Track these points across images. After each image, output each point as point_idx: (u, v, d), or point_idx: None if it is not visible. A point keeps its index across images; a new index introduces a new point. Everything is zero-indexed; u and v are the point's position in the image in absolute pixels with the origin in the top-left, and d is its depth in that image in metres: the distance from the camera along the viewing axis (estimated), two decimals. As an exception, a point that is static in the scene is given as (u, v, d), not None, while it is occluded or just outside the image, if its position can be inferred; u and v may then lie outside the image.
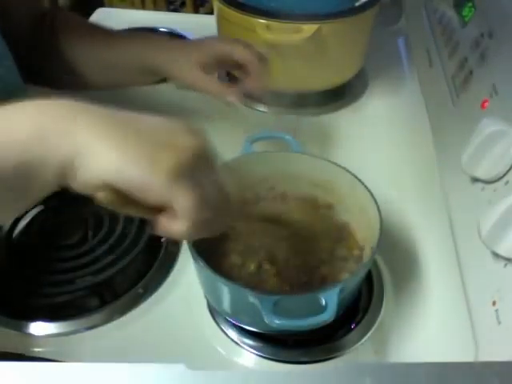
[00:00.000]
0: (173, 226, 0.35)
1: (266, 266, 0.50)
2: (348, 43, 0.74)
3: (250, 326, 0.49)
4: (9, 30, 0.53)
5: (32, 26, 0.61)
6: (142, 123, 0.34)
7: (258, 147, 0.56)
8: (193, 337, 0.50)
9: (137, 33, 0.66)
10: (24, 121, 0.32)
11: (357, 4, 0.72)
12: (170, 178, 0.32)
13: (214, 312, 0.52)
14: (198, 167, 0.34)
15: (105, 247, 0.56)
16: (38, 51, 0.61)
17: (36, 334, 0.50)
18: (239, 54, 0.58)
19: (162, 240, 0.58)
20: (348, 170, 0.52)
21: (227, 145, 0.61)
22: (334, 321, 0.40)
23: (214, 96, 0.59)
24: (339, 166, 0.52)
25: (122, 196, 0.33)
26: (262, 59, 0.58)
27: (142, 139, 0.33)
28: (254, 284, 0.48)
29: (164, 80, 0.85)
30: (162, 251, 0.57)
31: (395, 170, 0.69)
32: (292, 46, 0.70)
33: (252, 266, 0.49)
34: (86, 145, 0.32)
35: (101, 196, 0.33)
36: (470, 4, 0.63)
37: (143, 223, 0.58)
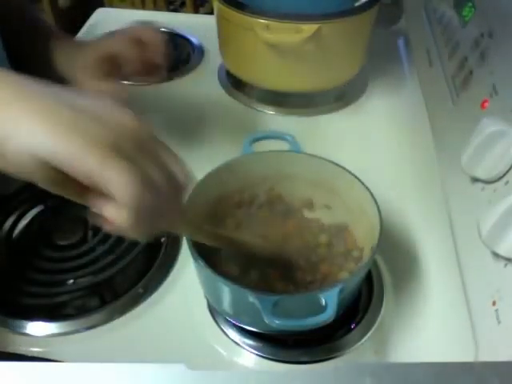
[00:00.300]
0: (110, 211, 0.31)
1: (269, 271, 0.50)
2: (348, 43, 0.74)
3: (250, 326, 0.49)
4: (7, 39, 0.54)
5: (30, 37, 0.62)
6: (82, 100, 0.33)
7: (258, 147, 0.56)
8: (193, 337, 0.50)
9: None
10: None
11: (357, 4, 0.72)
12: (104, 155, 0.30)
13: (214, 312, 0.52)
14: (140, 149, 0.32)
15: (105, 247, 0.56)
16: (36, 61, 0.61)
17: (36, 334, 0.50)
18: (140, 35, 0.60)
19: (162, 240, 0.58)
20: (348, 170, 0.52)
21: (227, 145, 0.61)
22: (334, 321, 0.40)
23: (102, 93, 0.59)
24: (339, 165, 0.52)
25: (56, 175, 0.30)
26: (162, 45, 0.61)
27: (78, 114, 0.31)
28: (258, 286, 0.48)
29: (164, 80, 0.86)
30: (162, 251, 0.57)
31: (395, 169, 0.69)
32: (292, 46, 0.70)
33: (252, 274, 0.49)
34: (13, 119, 0.30)
35: (32, 173, 0.30)
36: (469, 4, 0.63)
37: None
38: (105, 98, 0.34)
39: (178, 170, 0.34)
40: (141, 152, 0.32)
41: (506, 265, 0.43)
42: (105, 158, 0.30)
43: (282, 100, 0.80)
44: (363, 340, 0.50)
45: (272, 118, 0.79)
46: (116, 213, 0.31)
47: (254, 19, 0.68)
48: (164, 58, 0.61)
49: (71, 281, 0.53)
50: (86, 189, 0.31)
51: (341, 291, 0.41)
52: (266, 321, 0.39)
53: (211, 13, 0.79)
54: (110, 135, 0.31)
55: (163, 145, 0.35)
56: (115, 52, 0.59)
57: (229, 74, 0.85)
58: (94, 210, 0.32)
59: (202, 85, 0.85)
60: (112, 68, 0.59)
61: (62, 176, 0.31)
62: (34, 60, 0.61)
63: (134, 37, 0.60)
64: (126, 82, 0.83)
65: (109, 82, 0.58)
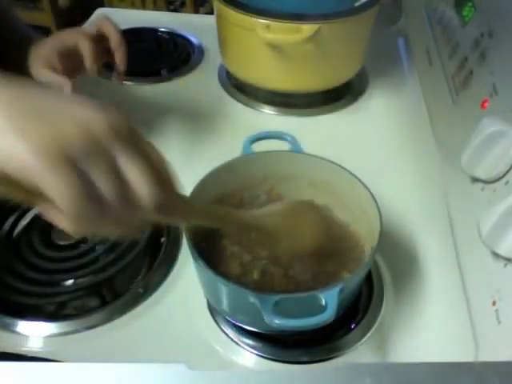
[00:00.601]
0: (54, 215, 0.30)
1: (272, 269, 0.50)
2: (348, 43, 0.74)
3: (249, 325, 0.49)
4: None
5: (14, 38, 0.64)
6: (49, 98, 0.30)
7: (258, 147, 0.56)
8: (193, 337, 0.50)
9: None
10: None
11: (357, 4, 0.72)
12: (47, 156, 0.27)
13: (214, 312, 0.52)
14: (97, 154, 0.29)
15: (105, 247, 0.56)
16: (17, 61, 0.62)
17: (36, 334, 0.50)
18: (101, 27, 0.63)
19: (162, 240, 0.58)
20: (348, 170, 0.52)
21: (227, 145, 0.61)
22: (334, 321, 0.40)
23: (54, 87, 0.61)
24: (339, 165, 0.52)
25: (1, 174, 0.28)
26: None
27: (36, 113, 0.29)
28: (260, 286, 0.48)
29: (163, 80, 0.86)
30: (162, 251, 0.57)
31: (395, 169, 0.69)
32: (292, 46, 0.70)
33: (255, 275, 0.49)
34: None
35: None
36: (469, 4, 0.63)
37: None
38: (80, 96, 0.32)
39: (140, 181, 0.31)
40: (97, 157, 0.29)
41: (505, 265, 0.43)
42: (48, 159, 0.27)
43: (282, 100, 0.80)
44: (363, 340, 0.50)
45: (272, 118, 0.79)
46: (58, 218, 0.30)
47: (255, 19, 0.68)
48: (122, 51, 0.64)
49: (71, 281, 0.53)
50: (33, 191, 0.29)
51: (341, 291, 0.41)
52: (266, 321, 0.39)
53: (211, 13, 0.79)
54: (62, 134, 0.28)
55: (137, 147, 0.31)
56: (70, 45, 0.61)
57: (229, 74, 0.85)
58: (41, 211, 0.31)
59: (201, 85, 0.85)
60: (69, 61, 0.61)
61: (7, 176, 0.29)
62: (15, 60, 0.63)
63: (92, 32, 0.63)
64: (128, 83, 0.84)
65: (59, 74, 0.60)
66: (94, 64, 0.61)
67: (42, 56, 0.61)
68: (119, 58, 0.64)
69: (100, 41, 0.63)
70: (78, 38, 0.61)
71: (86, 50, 0.61)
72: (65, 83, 0.59)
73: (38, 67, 0.61)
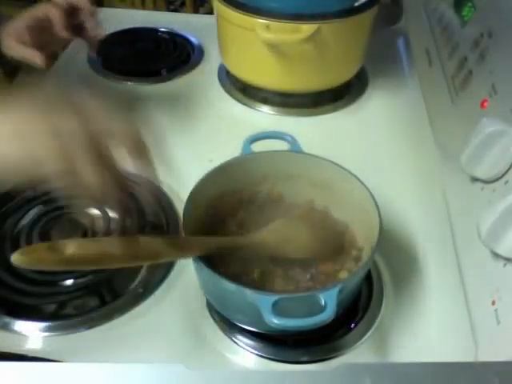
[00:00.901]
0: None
1: (271, 269, 0.50)
2: (348, 43, 0.74)
3: (249, 325, 0.49)
4: None
5: None
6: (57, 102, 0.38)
7: (257, 147, 0.56)
8: (192, 336, 0.50)
9: None
10: None
11: (356, 4, 0.72)
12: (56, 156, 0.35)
13: (214, 312, 0.52)
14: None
15: (105, 247, 0.56)
16: None
17: (36, 334, 0.50)
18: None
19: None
20: (348, 170, 0.52)
21: (227, 145, 0.61)
22: (334, 321, 0.40)
23: (27, 61, 0.62)
24: (339, 165, 0.52)
25: None
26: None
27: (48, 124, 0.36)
28: (260, 286, 0.48)
29: (163, 80, 0.86)
30: (162, 251, 0.57)
31: (395, 169, 0.69)
32: (291, 46, 0.70)
33: (254, 274, 0.49)
34: None
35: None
36: (469, 4, 0.63)
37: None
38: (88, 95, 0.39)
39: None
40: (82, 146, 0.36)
41: (505, 264, 0.43)
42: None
43: (281, 100, 0.80)
44: (363, 340, 0.50)
45: (272, 118, 0.79)
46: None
47: (254, 19, 0.68)
48: (94, 19, 0.66)
49: (71, 281, 0.53)
50: None
51: (340, 291, 0.41)
52: (266, 320, 0.39)
53: (211, 13, 0.79)
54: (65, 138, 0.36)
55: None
56: (40, 17, 0.62)
57: (229, 74, 0.85)
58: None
59: (202, 85, 0.85)
60: (41, 35, 0.62)
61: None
62: None
63: (62, 3, 0.63)
64: (129, 83, 0.84)
65: (31, 49, 0.61)
66: (64, 30, 0.62)
67: (12, 32, 0.62)
68: (91, 25, 0.65)
69: (71, 13, 0.64)
70: (47, 9, 0.62)
71: (56, 17, 0.62)
72: (36, 56, 0.60)
73: (8, 43, 0.62)
